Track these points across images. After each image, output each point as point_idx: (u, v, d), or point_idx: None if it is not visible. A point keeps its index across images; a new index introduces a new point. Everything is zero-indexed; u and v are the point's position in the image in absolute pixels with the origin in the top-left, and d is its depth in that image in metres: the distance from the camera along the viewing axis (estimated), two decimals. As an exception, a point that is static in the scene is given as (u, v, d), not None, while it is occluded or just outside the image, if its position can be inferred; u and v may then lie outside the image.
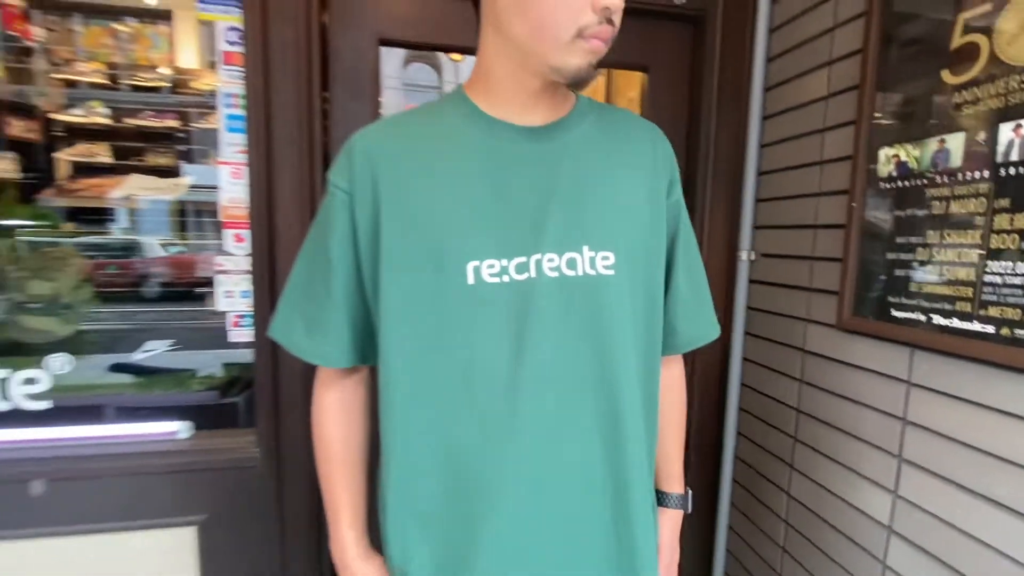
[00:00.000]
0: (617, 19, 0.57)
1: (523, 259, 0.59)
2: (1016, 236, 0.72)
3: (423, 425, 0.60)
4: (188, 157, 2.85)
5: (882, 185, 0.93)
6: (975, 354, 0.78)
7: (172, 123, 2.90)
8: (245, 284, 1.18)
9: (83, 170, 2.85)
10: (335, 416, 0.67)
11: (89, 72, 2.76)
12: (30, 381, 1.15)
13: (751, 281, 1.32)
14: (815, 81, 1.11)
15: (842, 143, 1.02)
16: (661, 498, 0.74)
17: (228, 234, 1.17)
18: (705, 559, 1.44)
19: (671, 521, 0.73)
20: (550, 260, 0.59)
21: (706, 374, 1.39)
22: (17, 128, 2.79)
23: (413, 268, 0.59)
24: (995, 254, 0.75)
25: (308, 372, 1.17)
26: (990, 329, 0.75)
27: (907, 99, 0.89)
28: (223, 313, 1.19)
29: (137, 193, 2.55)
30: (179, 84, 2.83)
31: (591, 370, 0.60)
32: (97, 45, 2.84)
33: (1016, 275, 0.72)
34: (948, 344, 0.82)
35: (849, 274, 0.99)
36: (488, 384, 0.58)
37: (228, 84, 1.16)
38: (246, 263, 1.17)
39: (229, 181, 1.17)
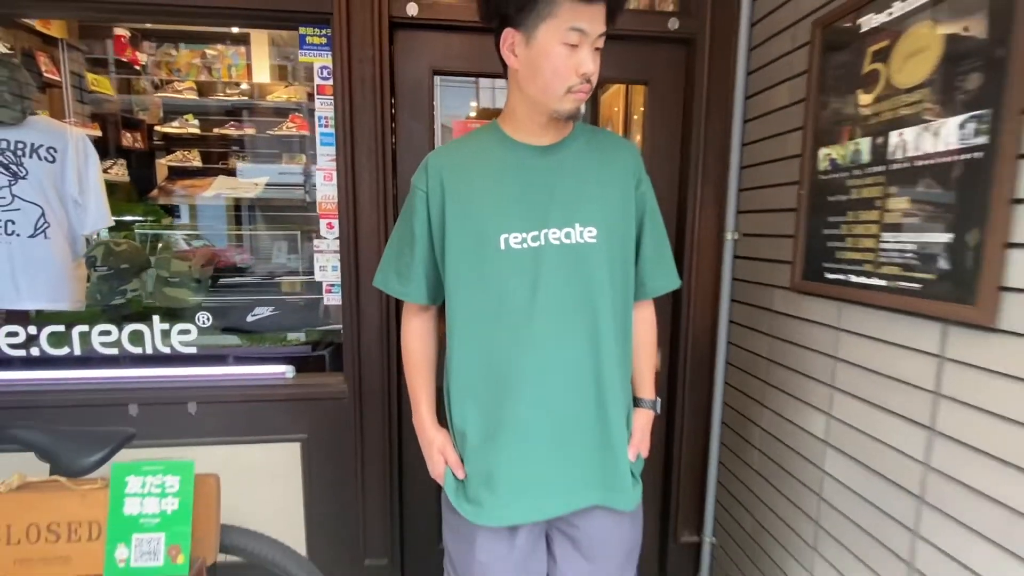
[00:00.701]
0: (594, 79, 0.88)
1: (536, 232, 0.91)
2: (898, 213, 0.99)
3: (473, 338, 0.94)
4: (264, 159, 3.26)
5: (820, 177, 1.20)
6: (876, 302, 1.05)
7: (250, 131, 3.34)
8: (335, 260, 1.56)
9: (177, 173, 3.35)
10: (416, 336, 1.03)
11: (183, 90, 3.23)
12: (184, 332, 1.57)
13: (735, 257, 1.60)
14: (780, 93, 1.38)
15: (795, 143, 1.29)
16: (637, 401, 1.06)
17: (323, 223, 1.56)
18: (701, 473, 1.74)
19: (644, 417, 1.04)
20: (554, 233, 0.91)
21: (697, 337, 1.68)
22: (127, 139, 3.32)
23: (466, 240, 0.93)
24: (886, 227, 1.02)
25: (381, 329, 1.54)
26: (884, 283, 1.02)
27: (836, 111, 1.15)
28: (320, 282, 1.58)
29: (223, 192, 3.03)
30: (255, 97, 3.28)
31: (580, 304, 0.92)
32: (187, 67, 3.32)
33: (897, 242, 0.99)
34: (861, 296, 1.09)
35: (799, 247, 1.26)
36: (513, 311, 0.91)
37: (321, 109, 1.53)
38: (335, 245, 1.55)
39: (322, 183, 1.55)
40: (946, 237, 0.89)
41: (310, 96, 3.09)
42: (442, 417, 1.03)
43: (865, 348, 1.09)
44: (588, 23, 0.82)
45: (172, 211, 3.08)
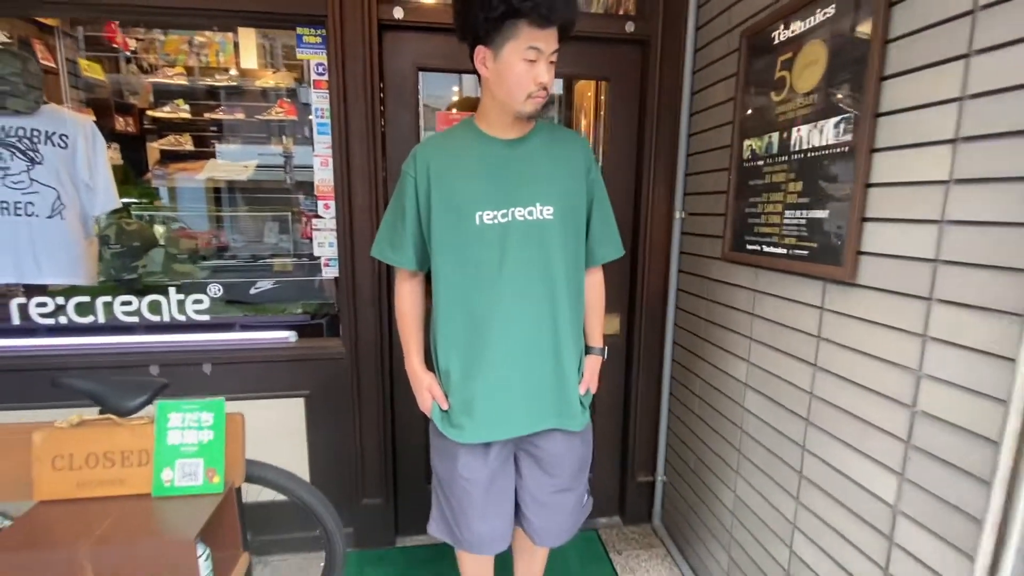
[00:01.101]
0: (550, 87, 1.09)
1: (505, 211, 1.13)
2: (795, 195, 1.23)
3: (454, 296, 1.16)
4: (253, 143, 3.38)
5: (744, 165, 1.43)
6: (780, 267, 1.29)
7: (240, 116, 3.45)
8: (332, 237, 1.76)
9: (169, 157, 3.45)
10: (407, 297, 1.25)
11: (173, 75, 3.33)
12: (198, 301, 1.77)
13: (682, 233, 1.84)
14: (718, 91, 1.60)
15: (726, 135, 1.52)
16: (589, 349, 1.30)
17: (320, 204, 1.75)
18: (654, 421, 2.00)
19: (594, 361, 1.28)
20: (519, 211, 1.13)
21: (651, 304, 1.92)
22: (119, 123, 3.42)
23: (448, 216, 1.14)
24: (788, 206, 1.26)
25: (374, 297, 1.75)
26: (785, 251, 1.27)
27: (755, 108, 1.38)
28: (317, 257, 1.78)
29: (216, 175, 3.18)
30: (244, 82, 3.39)
31: (540, 268, 1.14)
32: (176, 51, 3.41)
33: (795, 218, 1.23)
34: (770, 263, 1.33)
35: (728, 224, 1.50)
36: (486, 275, 1.13)
37: (318, 101, 1.71)
38: (332, 223, 1.75)
39: (319, 167, 1.74)
40: (824, 213, 1.14)
41: (297, 82, 3.23)
42: (429, 363, 1.26)
43: (772, 304, 1.35)
44: (543, 43, 1.03)
45: (162, 193, 3.20)
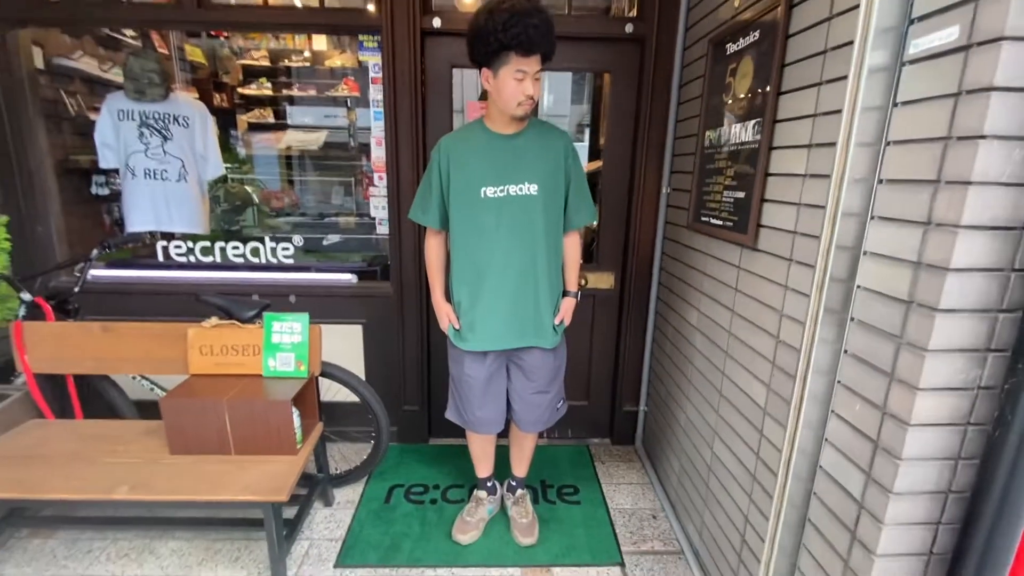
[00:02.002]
0: (536, 97, 1.49)
1: (503, 187, 1.56)
2: (729, 179, 1.57)
3: (463, 248, 1.61)
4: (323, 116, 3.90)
5: (705, 151, 1.77)
6: (719, 236, 1.65)
7: (312, 92, 3.98)
8: (384, 203, 2.26)
9: (254, 128, 4.05)
10: (433, 248, 1.72)
11: (258, 57, 3.89)
12: (285, 248, 2.34)
13: (668, 206, 2.19)
14: (695, 87, 1.92)
15: (696, 125, 1.85)
16: (566, 292, 1.73)
17: (376, 175, 2.24)
18: (639, 361, 2.42)
19: (569, 302, 1.71)
20: (512, 188, 1.56)
21: (640, 265, 2.30)
22: (216, 100, 4.05)
23: (462, 190, 1.58)
24: (726, 188, 1.60)
25: (415, 250, 2.24)
26: (721, 223, 1.63)
27: (712, 106, 1.71)
28: (373, 218, 2.29)
29: (293, 144, 3.76)
30: (316, 62, 3.90)
31: (525, 230, 1.57)
32: (260, 36, 3.95)
33: (727, 198, 1.58)
34: (714, 232, 1.69)
35: (692, 199, 1.86)
36: (486, 233, 1.58)
37: (375, 95, 2.18)
38: (384, 191, 2.24)
39: (375, 147, 2.22)
40: (741, 194, 1.49)
41: (359, 63, 3.70)
42: (448, 296, 1.75)
43: (713, 264, 1.71)
44: (528, 67, 1.43)
45: (249, 160, 3.82)
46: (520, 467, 1.97)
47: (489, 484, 2.00)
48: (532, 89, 1.46)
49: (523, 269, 1.60)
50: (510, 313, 1.62)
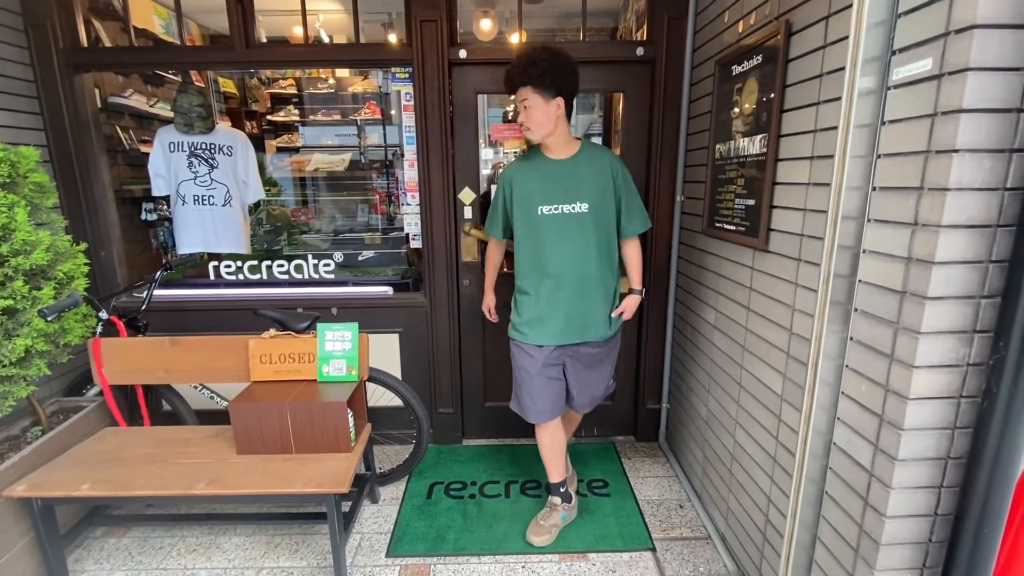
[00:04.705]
0: (523, 122, 1.71)
1: (557, 206, 1.76)
2: (740, 188, 1.72)
3: (526, 255, 1.82)
4: (348, 139, 4.12)
5: (716, 162, 1.92)
6: (732, 239, 1.80)
7: (336, 116, 4.21)
8: (416, 219, 2.43)
9: (283, 151, 4.28)
10: (494, 252, 1.99)
11: (285, 85, 4.13)
12: (326, 264, 2.52)
13: (682, 213, 2.34)
14: (705, 103, 2.08)
15: (706, 139, 2.01)
16: (631, 291, 1.91)
17: (408, 194, 2.42)
18: (660, 360, 2.56)
19: (633, 299, 1.89)
20: (566, 207, 1.75)
21: (659, 268, 2.45)
22: (247, 127, 4.29)
23: (523, 209, 1.79)
24: (737, 196, 1.75)
25: (448, 263, 2.42)
26: (734, 228, 1.77)
27: (721, 121, 1.87)
28: (406, 233, 2.46)
29: (320, 166, 3.96)
30: (340, 88, 4.12)
31: (577, 243, 1.76)
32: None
33: (739, 205, 1.73)
34: (727, 236, 1.84)
35: (705, 207, 2.01)
36: (545, 245, 1.77)
37: (407, 121, 2.36)
38: (416, 209, 2.42)
39: (408, 169, 2.40)
40: (752, 202, 1.64)
41: (379, 88, 3.90)
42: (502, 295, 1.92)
43: (728, 266, 1.86)
44: (514, 98, 1.68)
45: (280, 183, 4.03)
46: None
47: (563, 490, 2.03)
48: (520, 117, 1.71)
49: (577, 275, 1.80)
50: (565, 313, 1.82)
